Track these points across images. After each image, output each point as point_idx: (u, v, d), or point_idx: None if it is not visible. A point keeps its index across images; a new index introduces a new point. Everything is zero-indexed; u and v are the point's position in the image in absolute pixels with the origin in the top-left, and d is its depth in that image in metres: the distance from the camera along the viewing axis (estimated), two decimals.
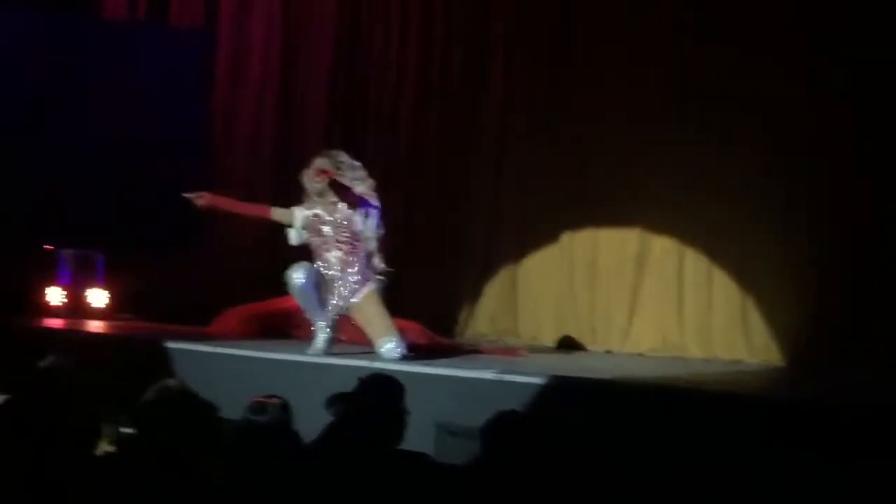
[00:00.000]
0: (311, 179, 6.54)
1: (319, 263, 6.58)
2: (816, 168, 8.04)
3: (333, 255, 6.55)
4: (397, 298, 6.95)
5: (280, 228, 9.21)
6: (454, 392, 5.86)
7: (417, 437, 4.50)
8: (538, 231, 9.03)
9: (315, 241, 6.60)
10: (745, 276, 8.27)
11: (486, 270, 9.19)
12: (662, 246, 8.52)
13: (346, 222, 6.54)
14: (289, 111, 9.56)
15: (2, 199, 8.68)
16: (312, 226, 6.60)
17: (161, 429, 3.51)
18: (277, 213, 6.76)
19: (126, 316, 8.49)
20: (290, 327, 7.69)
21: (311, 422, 4.38)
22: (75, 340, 7.16)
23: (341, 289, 6.57)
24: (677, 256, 8.47)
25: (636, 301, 8.58)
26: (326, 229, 6.55)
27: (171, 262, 8.68)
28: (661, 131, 8.52)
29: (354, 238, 6.56)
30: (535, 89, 9.03)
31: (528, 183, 9.07)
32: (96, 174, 9.03)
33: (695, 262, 8.42)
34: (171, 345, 6.75)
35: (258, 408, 4.48)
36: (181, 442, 3.48)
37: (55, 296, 8.46)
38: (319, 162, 6.57)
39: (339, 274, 6.55)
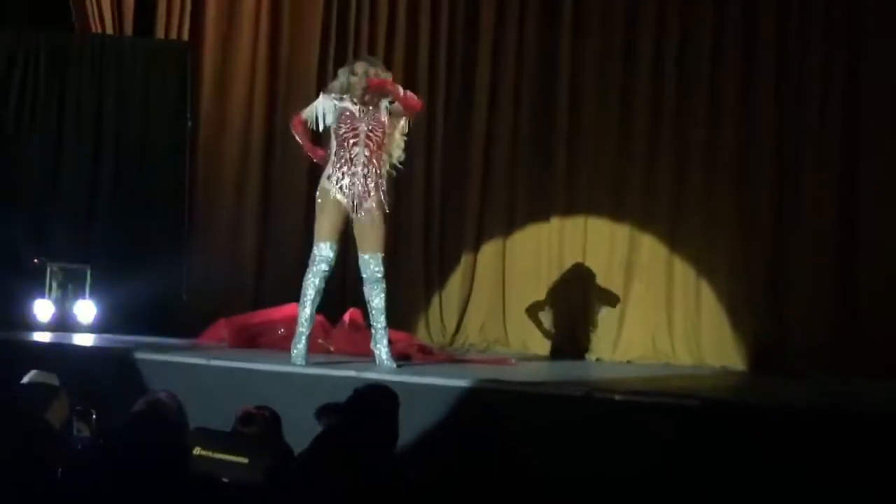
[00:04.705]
0: (357, 80, 6.73)
1: (339, 156, 6.73)
2: (806, 176, 8.07)
3: (362, 151, 6.67)
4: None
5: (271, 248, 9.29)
6: (445, 402, 5.86)
7: (408, 447, 4.50)
8: (526, 240, 9.03)
9: (345, 133, 6.72)
10: (733, 284, 8.28)
11: (475, 280, 9.18)
12: (651, 253, 8.53)
13: (384, 120, 6.74)
14: (275, 124, 9.53)
15: None
16: (344, 117, 6.74)
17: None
18: (307, 114, 6.92)
19: (114, 329, 8.45)
20: (279, 338, 7.67)
21: (301, 432, 4.38)
22: (63, 354, 7.13)
23: (356, 186, 6.69)
24: (666, 263, 8.48)
25: (625, 309, 8.59)
26: (362, 126, 6.69)
27: (159, 274, 8.64)
28: (649, 138, 8.56)
29: (384, 137, 6.76)
30: (523, 102, 9.05)
31: (516, 191, 9.07)
32: (83, 187, 9.01)
33: (683, 269, 8.43)
34: (160, 357, 6.73)
35: (247, 419, 4.47)
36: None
37: (43, 310, 8.42)
38: (362, 66, 6.80)
39: (359, 170, 6.68)
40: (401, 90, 6.77)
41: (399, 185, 8.96)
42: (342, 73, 6.89)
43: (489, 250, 9.14)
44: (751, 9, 8.32)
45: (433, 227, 9.30)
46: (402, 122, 6.87)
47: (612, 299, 8.63)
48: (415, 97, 6.88)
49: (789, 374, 7.78)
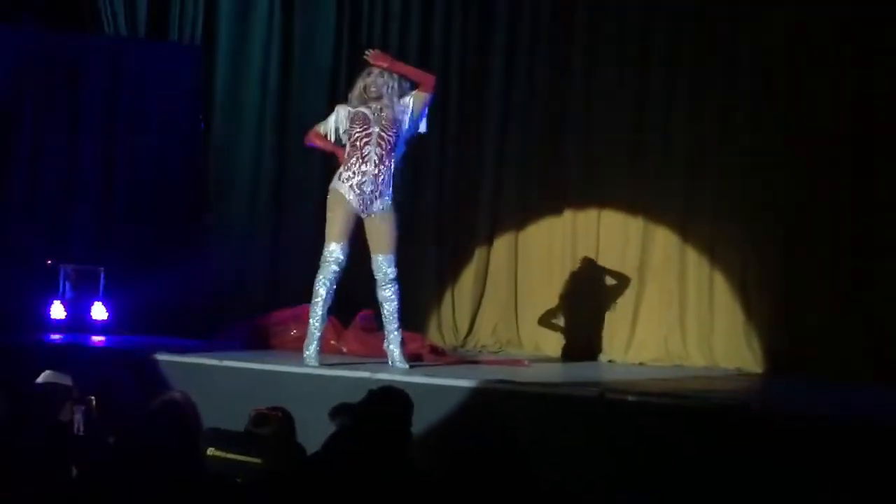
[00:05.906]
0: (372, 79, 6.78)
1: (351, 156, 6.73)
2: (821, 175, 8.04)
3: (373, 150, 6.68)
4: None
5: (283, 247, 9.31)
6: (458, 403, 5.85)
7: (420, 448, 4.49)
8: (539, 235, 9.03)
9: (358, 133, 6.73)
10: (746, 286, 8.26)
11: (488, 279, 9.19)
12: (664, 254, 8.51)
13: (396, 120, 6.76)
14: (288, 125, 9.54)
15: (2, 215, 8.70)
16: (357, 119, 6.76)
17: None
18: (323, 128, 6.97)
19: (128, 330, 8.47)
20: (291, 339, 7.68)
21: (314, 433, 4.39)
22: (77, 355, 7.14)
23: (367, 185, 6.68)
24: (679, 265, 8.46)
25: (638, 310, 8.57)
26: (374, 127, 6.71)
27: (172, 276, 8.67)
28: (662, 138, 8.55)
29: (397, 137, 6.78)
30: (535, 110, 9.07)
31: (529, 194, 9.08)
32: (96, 188, 9.04)
33: (696, 271, 8.41)
34: (174, 358, 6.74)
35: (260, 419, 4.48)
36: None
37: (57, 311, 8.45)
38: (376, 70, 6.82)
39: (371, 169, 6.68)
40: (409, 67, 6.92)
41: (411, 182, 8.99)
42: (359, 81, 6.90)
43: (502, 247, 9.14)
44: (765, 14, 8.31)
45: (446, 223, 9.31)
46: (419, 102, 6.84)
47: (624, 301, 8.62)
48: (424, 72, 6.96)
49: (803, 377, 7.75)
